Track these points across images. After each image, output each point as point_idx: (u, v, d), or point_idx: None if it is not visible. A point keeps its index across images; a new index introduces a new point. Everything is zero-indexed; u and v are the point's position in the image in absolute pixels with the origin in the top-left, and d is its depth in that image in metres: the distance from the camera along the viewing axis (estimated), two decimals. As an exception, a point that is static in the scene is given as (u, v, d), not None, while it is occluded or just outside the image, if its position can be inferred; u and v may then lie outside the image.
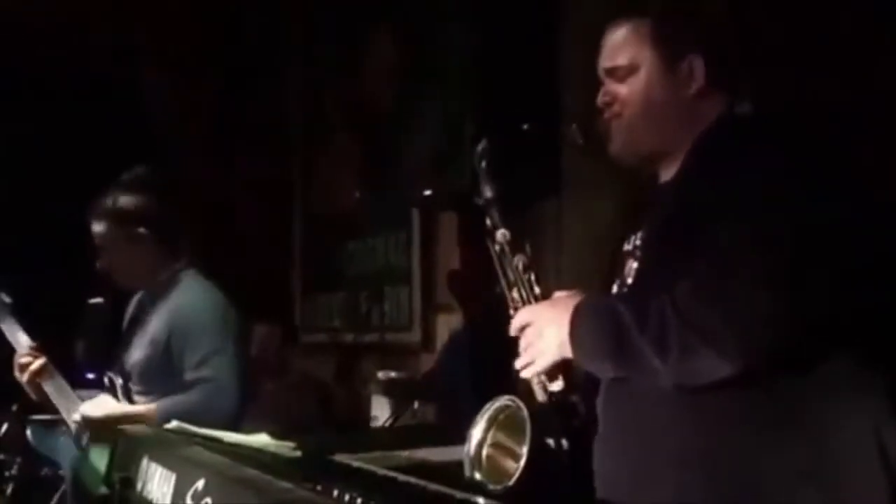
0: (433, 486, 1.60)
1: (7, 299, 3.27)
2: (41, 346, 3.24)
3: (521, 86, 3.35)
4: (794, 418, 1.69)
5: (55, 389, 3.21)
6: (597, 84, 1.99)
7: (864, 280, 1.70)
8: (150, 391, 3.11)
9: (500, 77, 3.43)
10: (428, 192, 3.79)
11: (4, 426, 3.42)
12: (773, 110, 1.93)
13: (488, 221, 2.00)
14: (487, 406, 1.79)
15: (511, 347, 1.96)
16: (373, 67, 5.30)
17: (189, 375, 3.01)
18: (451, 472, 1.79)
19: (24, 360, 3.20)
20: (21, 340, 3.25)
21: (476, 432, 1.77)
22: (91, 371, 3.27)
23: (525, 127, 2.18)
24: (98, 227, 3.16)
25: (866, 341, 1.74)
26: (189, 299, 3.13)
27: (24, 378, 3.21)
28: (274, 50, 6.40)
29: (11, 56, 5.66)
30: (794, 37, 2.73)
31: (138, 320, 3.24)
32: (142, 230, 3.14)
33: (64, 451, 3.30)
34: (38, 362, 3.19)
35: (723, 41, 1.93)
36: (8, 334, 3.28)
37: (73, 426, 3.12)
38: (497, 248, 1.99)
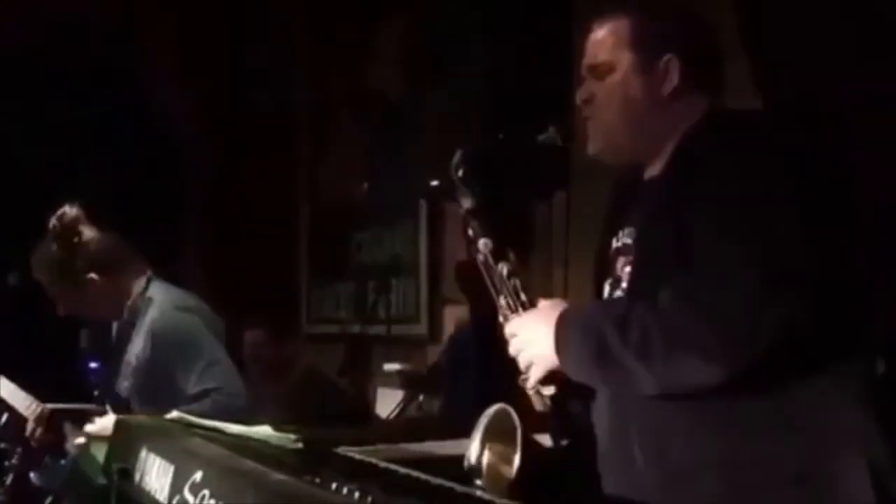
0: (435, 480, 1.57)
1: None
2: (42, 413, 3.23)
3: (529, 77, 3.35)
4: (788, 424, 1.70)
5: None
6: (581, 80, 2.01)
7: (845, 279, 1.72)
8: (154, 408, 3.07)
9: (508, 68, 3.43)
10: (435, 183, 3.76)
11: (4, 416, 3.41)
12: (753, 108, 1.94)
13: (470, 232, 2.04)
14: (482, 417, 1.80)
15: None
16: (381, 58, 5.30)
17: (193, 390, 2.92)
18: (455, 466, 1.77)
19: (37, 433, 3.20)
20: (23, 404, 3.25)
21: (474, 444, 1.78)
22: (95, 361, 3.25)
23: (501, 136, 2.23)
24: (42, 279, 3.07)
25: (850, 351, 1.75)
26: (162, 317, 3.01)
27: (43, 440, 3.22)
28: (282, 41, 6.39)
29: (21, 55, 5.69)
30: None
31: (123, 344, 3.12)
32: (89, 276, 3.03)
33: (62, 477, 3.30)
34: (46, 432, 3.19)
35: (700, 41, 1.95)
36: (9, 400, 3.27)
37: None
38: (481, 257, 2.02)
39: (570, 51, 3.41)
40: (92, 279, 3.02)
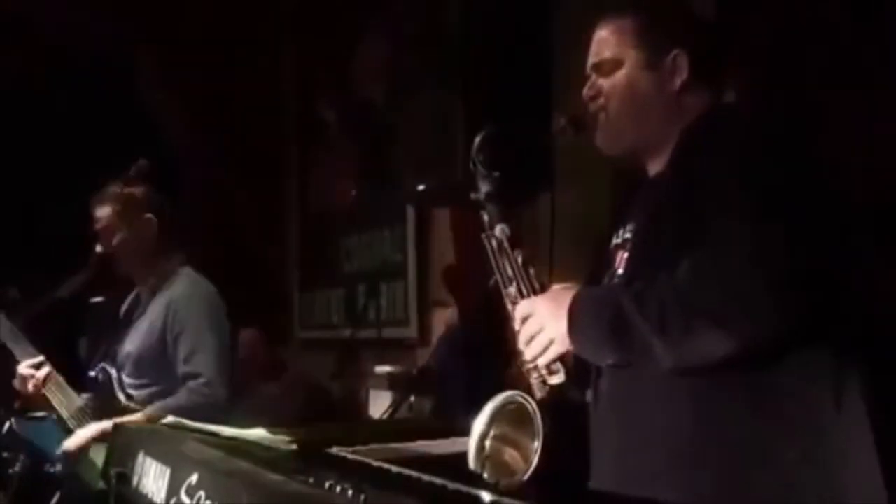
0: (427, 478, 1.56)
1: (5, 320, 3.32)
2: (45, 358, 3.29)
3: (512, 80, 3.37)
4: (793, 408, 1.70)
5: (57, 393, 3.25)
6: (585, 78, 2.02)
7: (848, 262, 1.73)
8: (144, 382, 3.16)
9: (491, 72, 3.45)
10: (421, 188, 3.79)
11: (7, 424, 3.44)
12: (756, 103, 1.95)
13: (485, 217, 1.99)
14: (492, 399, 1.74)
15: (504, 341, 1.96)
16: (366, 65, 5.32)
17: (181, 369, 3.08)
18: (447, 465, 1.78)
19: (27, 371, 3.25)
20: (26, 353, 3.29)
21: (479, 425, 1.73)
22: (93, 370, 3.29)
23: (519, 122, 2.20)
24: (103, 212, 3.24)
25: (857, 333, 1.76)
26: (185, 292, 3.19)
27: (28, 389, 3.26)
28: (268, 49, 6.40)
29: (10, 54, 5.69)
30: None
31: (134, 313, 3.29)
32: (148, 216, 3.23)
33: (49, 436, 3.33)
34: (42, 372, 3.24)
35: (707, 37, 1.96)
36: (13, 348, 3.31)
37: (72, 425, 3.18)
38: (494, 243, 1.97)
39: (551, 58, 3.45)
40: (149, 220, 3.23)
